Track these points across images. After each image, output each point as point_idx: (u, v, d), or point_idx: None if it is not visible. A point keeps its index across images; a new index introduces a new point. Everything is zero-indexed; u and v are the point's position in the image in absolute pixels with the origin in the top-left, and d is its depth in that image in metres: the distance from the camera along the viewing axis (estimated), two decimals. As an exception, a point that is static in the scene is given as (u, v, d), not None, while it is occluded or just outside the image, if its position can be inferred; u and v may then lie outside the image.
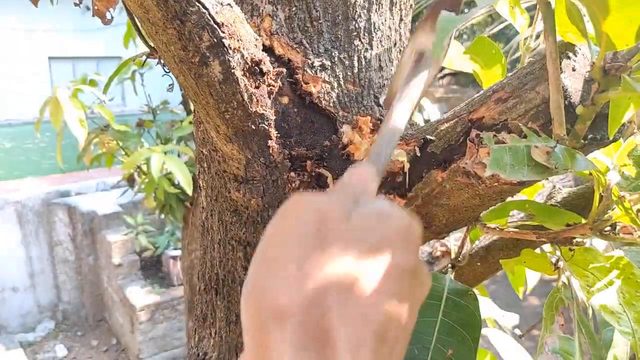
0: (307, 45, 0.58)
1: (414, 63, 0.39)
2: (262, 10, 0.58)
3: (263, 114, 0.55)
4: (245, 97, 0.53)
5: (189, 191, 2.00)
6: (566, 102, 0.43)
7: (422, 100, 1.50)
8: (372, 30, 0.60)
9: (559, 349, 0.40)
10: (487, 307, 1.01)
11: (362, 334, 0.23)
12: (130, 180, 2.35)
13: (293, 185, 0.58)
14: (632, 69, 0.37)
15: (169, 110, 2.54)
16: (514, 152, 0.40)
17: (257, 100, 0.54)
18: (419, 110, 1.35)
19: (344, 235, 0.26)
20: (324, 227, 0.26)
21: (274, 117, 0.56)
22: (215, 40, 0.49)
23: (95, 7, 0.61)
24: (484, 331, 1.02)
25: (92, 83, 1.98)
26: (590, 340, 0.41)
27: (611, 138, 0.44)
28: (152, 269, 4.28)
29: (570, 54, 0.46)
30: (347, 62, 0.59)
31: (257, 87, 0.54)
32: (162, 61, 0.55)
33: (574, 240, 0.57)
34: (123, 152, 2.30)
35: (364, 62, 0.60)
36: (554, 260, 0.50)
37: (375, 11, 0.60)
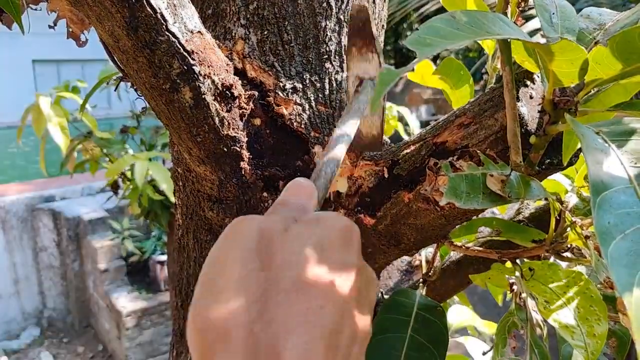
0: (279, 68, 0.59)
1: (354, 89, 0.42)
2: (235, 34, 0.60)
3: (235, 136, 0.56)
4: (217, 121, 0.54)
5: (173, 198, 2.00)
6: (523, 130, 0.45)
7: (403, 111, 1.52)
8: (343, 52, 0.61)
9: (509, 371, 0.42)
10: (467, 316, 1.03)
11: (309, 340, 0.23)
12: (115, 187, 2.34)
13: (266, 204, 0.60)
14: (578, 103, 0.38)
15: (154, 116, 2.54)
16: (470, 180, 0.41)
17: (229, 124, 0.55)
18: (399, 120, 1.37)
19: (284, 245, 0.26)
20: (264, 240, 0.26)
21: (247, 139, 0.57)
22: (186, 67, 0.50)
23: (70, 30, 0.61)
24: (462, 339, 1.04)
25: (75, 90, 1.97)
26: (543, 360, 0.43)
27: (566, 164, 0.45)
28: (138, 274, 4.25)
29: (528, 82, 0.48)
30: (318, 85, 0.60)
31: (228, 111, 0.55)
32: (135, 86, 0.56)
33: (542, 255, 0.59)
34: (107, 159, 2.29)
35: (334, 84, 0.61)
36: (511, 281, 0.52)
37: (346, 34, 0.61)
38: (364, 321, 0.26)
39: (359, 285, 0.26)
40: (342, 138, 0.36)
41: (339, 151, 0.36)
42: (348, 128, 0.37)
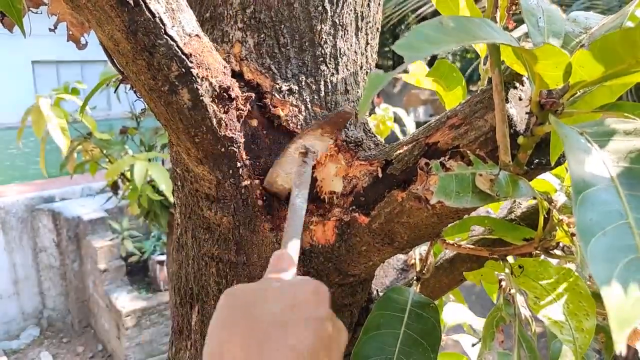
0: (276, 71, 0.61)
1: (300, 156, 0.50)
2: (232, 37, 0.61)
3: (232, 137, 0.57)
4: (214, 122, 0.55)
5: (172, 198, 2.01)
6: (512, 131, 0.46)
7: (399, 112, 1.53)
8: (338, 55, 0.63)
9: (497, 364, 0.43)
10: (462, 314, 1.04)
11: None
12: (114, 187, 2.35)
13: (261, 202, 0.61)
14: (564, 105, 0.40)
15: (153, 117, 2.55)
16: (460, 180, 0.42)
17: (226, 125, 0.56)
18: (395, 120, 1.38)
19: (264, 305, 0.35)
20: (251, 305, 0.35)
21: (244, 140, 0.59)
22: (184, 70, 0.51)
23: (70, 33, 0.62)
24: (458, 337, 1.05)
25: (75, 91, 1.98)
26: (530, 354, 0.44)
27: (554, 163, 0.47)
28: (138, 274, 4.27)
29: (518, 84, 0.49)
30: (313, 87, 0.62)
31: (226, 112, 0.56)
32: (134, 88, 0.57)
33: (533, 253, 0.61)
34: (107, 160, 2.30)
35: (330, 86, 0.62)
36: (500, 277, 0.53)
37: (341, 37, 0.63)
38: (332, 353, 0.35)
39: (328, 331, 0.35)
40: (302, 199, 0.46)
41: (302, 215, 0.46)
42: (302, 200, 0.46)
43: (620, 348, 0.27)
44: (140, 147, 2.35)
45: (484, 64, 0.68)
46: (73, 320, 4.45)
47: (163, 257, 3.97)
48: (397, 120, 1.50)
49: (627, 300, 0.28)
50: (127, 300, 3.82)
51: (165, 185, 1.97)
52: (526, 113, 0.46)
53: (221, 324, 0.35)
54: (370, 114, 1.33)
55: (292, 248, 0.44)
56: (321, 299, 0.36)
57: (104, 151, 2.17)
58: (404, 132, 1.57)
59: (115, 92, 0.64)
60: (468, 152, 0.46)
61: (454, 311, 0.98)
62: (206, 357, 0.34)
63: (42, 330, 4.39)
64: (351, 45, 0.64)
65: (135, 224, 4.29)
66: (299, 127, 0.61)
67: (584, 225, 0.30)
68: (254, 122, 0.60)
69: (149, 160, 2.09)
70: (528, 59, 0.35)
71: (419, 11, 3.64)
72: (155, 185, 2.13)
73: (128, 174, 2.15)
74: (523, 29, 0.74)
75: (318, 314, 0.34)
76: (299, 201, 0.46)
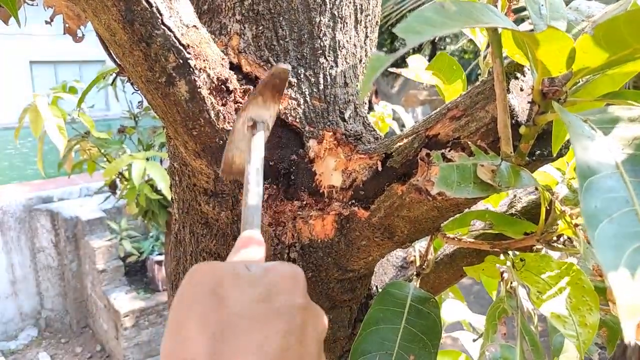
0: (274, 63, 0.60)
1: (249, 130, 0.46)
2: (230, 29, 0.60)
3: (230, 130, 0.56)
4: (212, 114, 0.54)
5: (170, 195, 2.00)
6: (513, 121, 0.45)
7: (396, 109, 1.52)
8: (337, 48, 0.62)
9: (500, 356, 0.43)
10: (460, 311, 1.04)
11: None
12: (112, 187, 2.34)
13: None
14: (567, 93, 0.39)
15: (151, 116, 2.54)
16: (461, 170, 0.42)
17: (224, 117, 0.56)
18: (394, 118, 1.37)
19: (235, 289, 0.31)
20: (219, 287, 0.31)
21: (242, 133, 0.58)
22: (181, 61, 0.50)
23: (67, 25, 0.62)
24: (457, 334, 1.04)
25: (72, 90, 1.97)
26: (533, 347, 0.43)
27: (555, 154, 0.46)
28: (136, 274, 4.26)
29: (519, 75, 0.48)
30: (312, 79, 0.61)
31: (224, 105, 0.55)
32: (131, 80, 0.57)
33: (534, 248, 0.60)
34: (105, 159, 2.29)
35: (329, 79, 0.62)
36: (502, 270, 0.53)
37: (340, 30, 0.62)
38: (311, 351, 0.31)
39: (304, 319, 0.32)
40: (256, 174, 0.42)
41: (259, 191, 0.41)
42: (257, 174, 0.42)
43: (629, 337, 0.26)
44: (138, 146, 2.34)
45: (484, 57, 0.67)
46: (71, 321, 4.44)
47: (161, 257, 3.96)
48: (396, 119, 1.49)
49: (636, 287, 0.27)
50: (125, 301, 3.81)
51: (164, 184, 1.96)
52: (528, 103, 0.45)
53: (182, 301, 0.31)
54: (369, 112, 1.33)
55: (256, 229, 0.40)
56: (297, 284, 0.33)
57: (102, 150, 2.16)
58: (402, 130, 1.55)
59: (111, 84, 0.64)
60: (469, 143, 0.45)
61: (453, 308, 0.98)
62: (164, 339, 0.30)
63: (41, 330, 4.38)
64: (350, 38, 0.63)
65: (133, 224, 4.28)
66: (297, 120, 0.60)
67: (590, 212, 0.29)
68: (253, 115, 0.60)
69: (147, 159, 2.08)
70: (530, 44, 0.35)
71: (418, 11, 3.63)
72: (154, 184, 2.13)
73: (126, 173, 2.14)
74: (525, 27, 0.73)
75: (293, 302, 0.31)
76: (253, 177, 0.42)
